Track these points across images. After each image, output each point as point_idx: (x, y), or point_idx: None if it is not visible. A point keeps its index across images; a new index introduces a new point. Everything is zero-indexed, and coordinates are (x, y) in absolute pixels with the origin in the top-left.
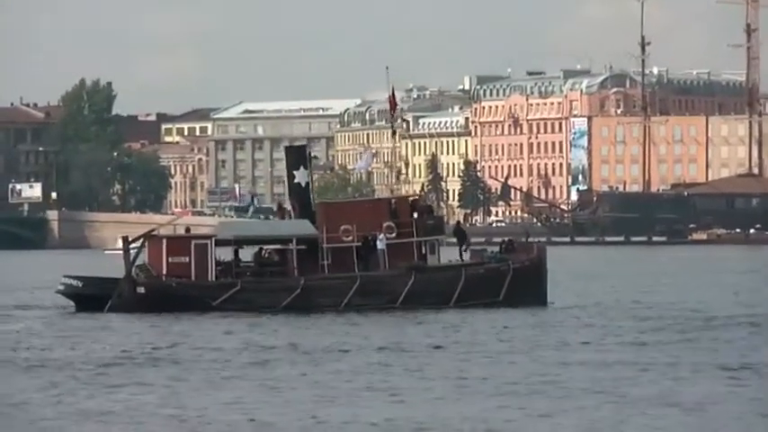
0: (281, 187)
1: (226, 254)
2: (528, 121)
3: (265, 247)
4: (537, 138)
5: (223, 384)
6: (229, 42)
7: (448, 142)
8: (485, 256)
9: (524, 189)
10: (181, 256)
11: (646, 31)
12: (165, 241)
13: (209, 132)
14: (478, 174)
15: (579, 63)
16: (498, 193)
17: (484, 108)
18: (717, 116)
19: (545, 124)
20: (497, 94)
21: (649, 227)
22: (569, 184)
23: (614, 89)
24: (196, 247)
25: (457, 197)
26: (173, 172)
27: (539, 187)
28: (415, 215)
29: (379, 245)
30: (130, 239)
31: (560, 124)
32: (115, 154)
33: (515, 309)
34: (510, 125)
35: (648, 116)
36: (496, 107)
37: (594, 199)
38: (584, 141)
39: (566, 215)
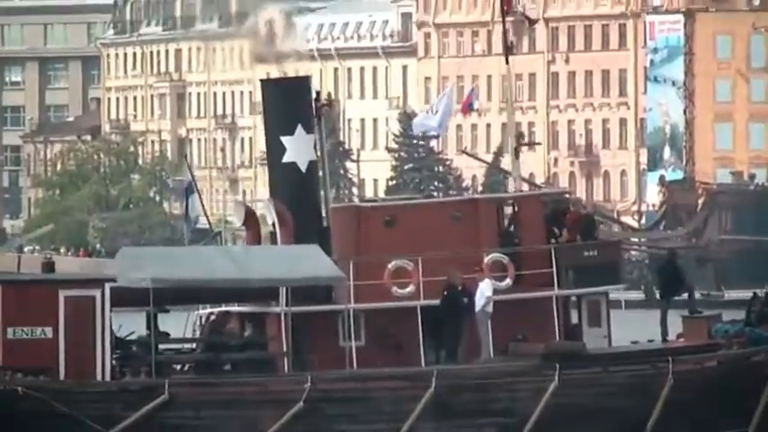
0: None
1: (135, 322)
2: (550, 22)
3: (222, 308)
4: (569, 61)
5: None
6: None
7: (365, 70)
8: (717, 329)
9: (536, 178)
10: (34, 325)
11: None
12: None
13: None
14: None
15: None
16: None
17: None
18: None
19: (588, 30)
20: None
21: None
22: (643, 167)
23: None
24: (69, 306)
25: (383, 189)
26: None
27: (572, 173)
28: (560, 234)
29: (480, 302)
30: None
31: (621, 30)
32: None
33: None
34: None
35: None
36: None
37: (700, 201)
38: (677, 69)
39: (635, 240)
